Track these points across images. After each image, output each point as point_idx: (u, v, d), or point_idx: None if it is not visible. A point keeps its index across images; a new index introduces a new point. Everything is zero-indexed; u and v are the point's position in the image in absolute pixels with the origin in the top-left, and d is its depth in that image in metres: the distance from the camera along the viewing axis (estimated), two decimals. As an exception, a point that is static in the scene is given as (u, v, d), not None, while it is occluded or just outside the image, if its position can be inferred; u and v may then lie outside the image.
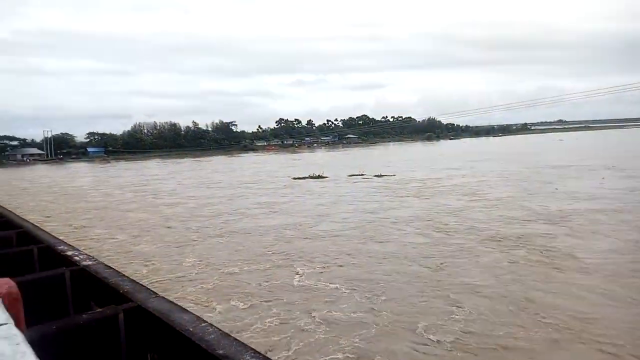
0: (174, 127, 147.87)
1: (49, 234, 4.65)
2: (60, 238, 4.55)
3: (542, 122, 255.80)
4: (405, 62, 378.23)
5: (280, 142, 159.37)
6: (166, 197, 34.35)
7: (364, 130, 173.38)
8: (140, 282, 2.67)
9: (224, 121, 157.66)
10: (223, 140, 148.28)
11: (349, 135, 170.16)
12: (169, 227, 21.65)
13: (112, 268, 2.93)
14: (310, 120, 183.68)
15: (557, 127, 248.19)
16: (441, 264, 13.60)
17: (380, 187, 34.29)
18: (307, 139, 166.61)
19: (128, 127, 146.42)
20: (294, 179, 43.84)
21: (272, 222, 21.77)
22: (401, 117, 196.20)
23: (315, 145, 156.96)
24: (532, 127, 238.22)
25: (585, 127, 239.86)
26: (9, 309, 1.26)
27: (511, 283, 11.64)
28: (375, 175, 42.62)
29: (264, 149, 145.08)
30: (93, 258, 3.35)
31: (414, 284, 11.92)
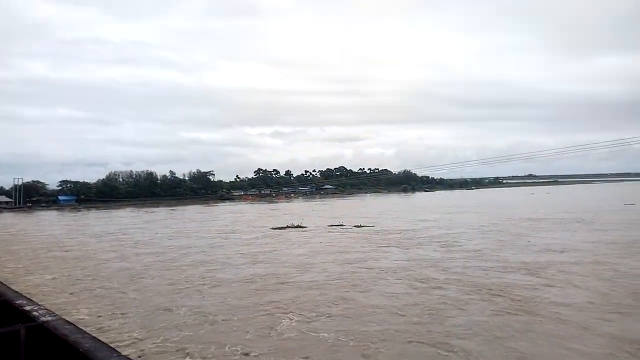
0: (150, 175, 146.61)
1: (7, 286, 4.37)
2: (32, 291, 4.29)
3: (513, 176, 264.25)
4: (384, 117, 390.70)
5: (257, 192, 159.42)
6: (144, 246, 33.77)
7: (341, 181, 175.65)
8: (102, 340, 2.60)
9: (202, 171, 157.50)
10: (200, 189, 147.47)
11: (326, 186, 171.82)
12: (151, 277, 21.31)
13: (73, 324, 2.73)
14: (288, 170, 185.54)
15: (527, 181, 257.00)
16: (427, 314, 13.91)
17: (360, 237, 34.67)
18: (284, 189, 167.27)
19: (103, 176, 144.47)
20: (273, 229, 43.84)
21: (255, 272, 21.72)
22: (378, 169, 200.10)
23: (292, 195, 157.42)
24: (504, 181, 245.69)
25: (554, 181, 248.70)
26: None
27: (496, 331, 12.01)
28: (354, 226, 43.08)
29: (241, 198, 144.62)
30: (53, 313, 3.11)
31: (402, 333, 12.13)
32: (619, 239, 29.43)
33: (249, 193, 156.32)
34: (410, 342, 11.46)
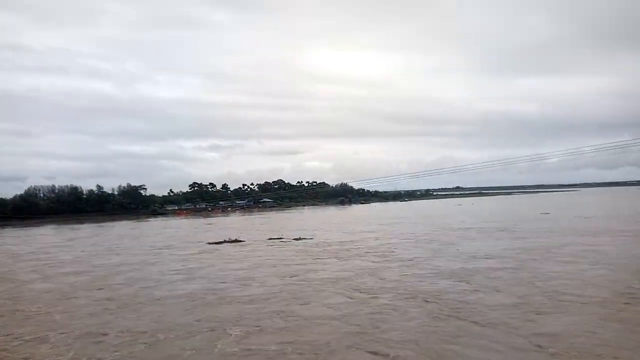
0: (74, 190, 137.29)
1: None
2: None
3: (442, 189, 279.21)
4: (322, 131, 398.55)
5: (192, 206, 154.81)
6: (70, 265, 31.66)
7: (279, 195, 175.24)
8: None
9: (133, 185, 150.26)
10: (130, 204, 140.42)
11: (264, 199, 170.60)
12: (81, 298, 20.06)
13: None
14: (225, 184, 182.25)
15: (455, 193, 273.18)
16: (367, 322, 14.37)
17: (300, 250, 34.88)
18: (221, 203, 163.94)
19: (22, 191, 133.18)
20: (210, 243, 42.86)
21: (193, 289, 21.17)
22: (316, 182, 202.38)
23: (229, 209, 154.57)
24: (434, 193, 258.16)
25: (479, 193, 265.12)
26: None
27: (431, 335, 12.69)
28: (294, 239, 43.24)
29: (174, 213, 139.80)
30: None
31: (344, 342, 12.46)
32: (536, 245, 32.00)
33: (183, 208, 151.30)
34: (353, 350, 11.80)
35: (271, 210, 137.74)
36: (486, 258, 27.10)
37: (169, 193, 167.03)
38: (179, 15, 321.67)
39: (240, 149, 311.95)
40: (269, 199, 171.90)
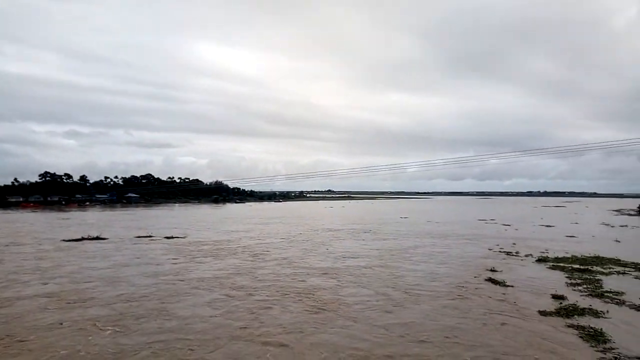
0: None
1: None
2: None
3: (315, 191, 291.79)
4: (198, 126, 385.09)
5: (42, 199, 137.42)
6: None
7: (148, 190, 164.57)
8: None
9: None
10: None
11: (130, 195, 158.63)
12: None
13: None
14: (84, 175, 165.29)
15: (327, 195, 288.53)
16: (245, 317, 14.87)
17: (172, 249, 33.72)
18: (78, 196, 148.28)
19: None
20: (66, 240, 38.94)
21: (52, 289, 19.33)
22: (189, 178, 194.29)
23: (87, 203, 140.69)
24: (308, 195, 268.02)
25: (348, 196, 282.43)
26: None
27: (304, 325, 13.72)
28: (165, 237, 41.49)
29: (19, 205, 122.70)
30: None
31: (223, 338, 12.80)
32: (395, 246, 35.73)
33: (30, 200, 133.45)
34: (236, 342, 12.24)
35: (137, 207, 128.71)
36: (353, 257, 29.47)
37: (12, 182, 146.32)
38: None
39: (104, 138, 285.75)
40: (136, 194, 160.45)
